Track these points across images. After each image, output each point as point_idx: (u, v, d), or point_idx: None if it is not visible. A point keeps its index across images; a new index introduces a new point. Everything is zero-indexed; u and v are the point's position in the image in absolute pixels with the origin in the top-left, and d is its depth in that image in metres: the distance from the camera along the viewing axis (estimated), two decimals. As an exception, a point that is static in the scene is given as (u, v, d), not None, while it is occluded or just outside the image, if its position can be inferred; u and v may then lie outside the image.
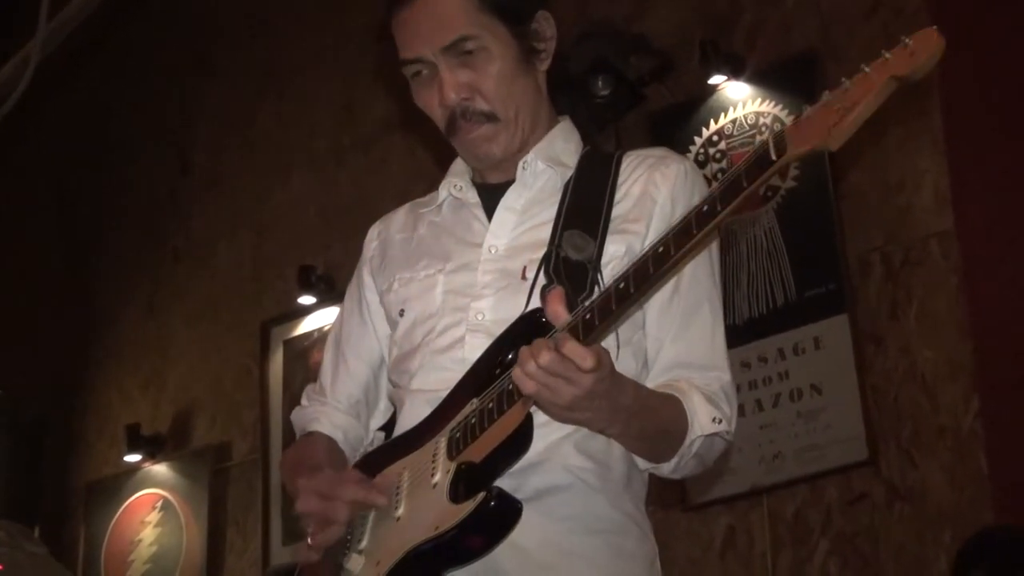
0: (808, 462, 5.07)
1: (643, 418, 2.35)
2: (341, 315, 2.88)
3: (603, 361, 2.19)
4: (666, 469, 2.46)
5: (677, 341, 2.51)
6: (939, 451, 4.84)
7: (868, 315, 5.10)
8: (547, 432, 2.36)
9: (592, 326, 2.18)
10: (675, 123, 5.67)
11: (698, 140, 5.61)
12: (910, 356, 4.98)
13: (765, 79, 5.52)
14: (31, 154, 7.99)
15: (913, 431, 4.91)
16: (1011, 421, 4.71)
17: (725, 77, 5.57)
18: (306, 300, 6.54)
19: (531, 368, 2.17)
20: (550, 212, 2.57)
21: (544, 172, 2.63)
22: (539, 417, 2.32)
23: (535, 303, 2.43)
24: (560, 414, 2.26)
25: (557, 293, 2.24)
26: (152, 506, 6.96)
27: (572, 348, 2.15)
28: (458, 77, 2.55)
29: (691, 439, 2.42)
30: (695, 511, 5.29)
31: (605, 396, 2.23)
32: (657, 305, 2.52)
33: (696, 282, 2.54)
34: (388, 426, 2.77)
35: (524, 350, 2.20)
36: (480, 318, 2.51)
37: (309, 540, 2.52)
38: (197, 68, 7.56)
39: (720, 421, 2.44)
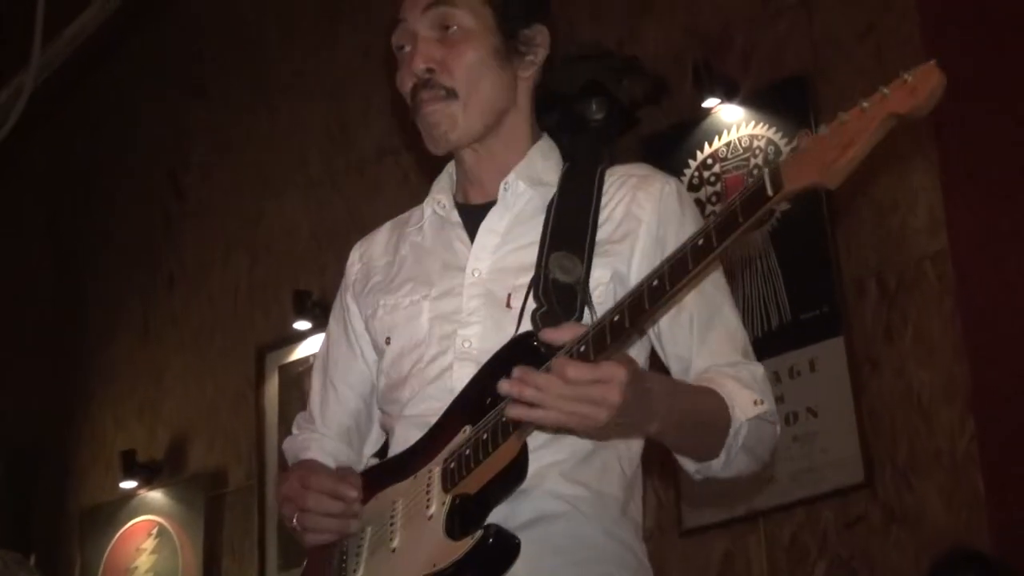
0: (804, 485, 5.06)
1: (680, 411, 2.31)
2: (327, 340, 2.85)
3: (621, 371, 2.16)
4: (717, 466, 2.42)
5: (701, 353, 2.49)
6: (935, 473, 4.83)
7: (863, 337, 5.09)
8: (536, 457, 2.33)
9: (586, 359, 2.17)
10: (669, 146, 5.67)
11: (692, 163, 5.61)
12: (906, 378, 4.98)
13: (758, 102, 5.52)
14: (23, 180, 7.98)
15: (909, 453, 4.90)
16: (1007, 443, 4.70)
17: (719, 100, 5.57)
18: (301, 325, 6.53)
19: (561, 403, 2.15)
20: (533, 234, 2.54)
21: (525, 193, 2.61)
22: (529, 442, 2.30)
23: (525, 328, 2.40)
24: (600, 434, 2.25)
25: (548, 332, 2.24)
26: (148, 533, 6.93)
27: (577, 370, 2.14)
28: (432, 50, 2.56)
29: (736, 427, 2.37)
30: (691, 535, 5.27)
31: (636, 402, 2.19)
32: (671, 326, 2.50)
33: (702, 294, 2.52)
34: (381, 453, 2.75)
35: (542, 385, 2.17)
36: (467, 346, 2.48)
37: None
38: (189, 92, 7.56)
39: (761, 402, 2.41)
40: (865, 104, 1.96)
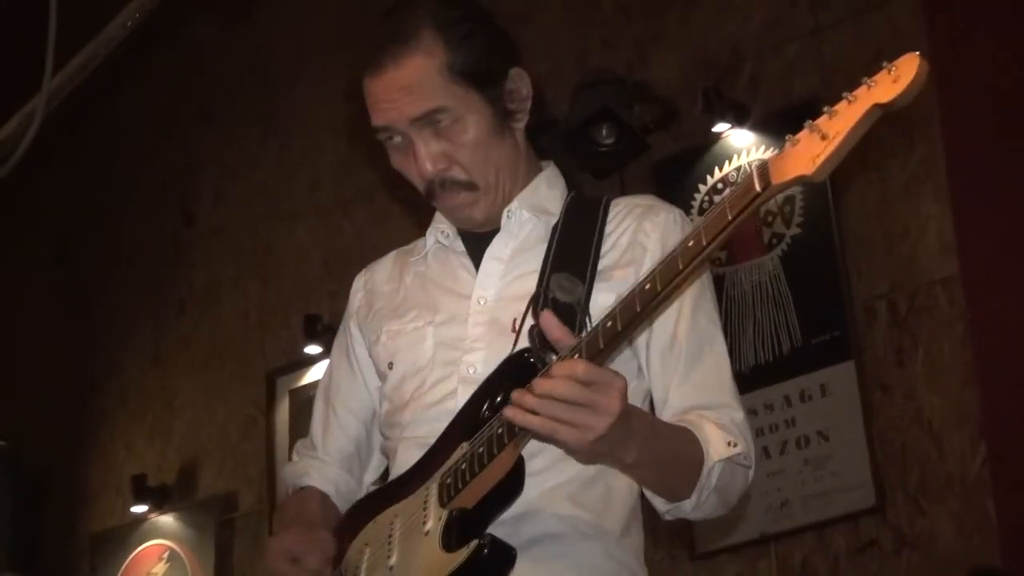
0: (815, 509, 5.06)
1: (655, 444, 2.29)
2: (330, 367, 2.84)
3: (621, 380, 2.15)
4: (687, 506, 2.39)
5: (683, 386, 2.48)
6: (947, 498, 4.82)
7: (874, 362, 5.09)
8: (540, 481, 2.34)
9: None
10: (679, 171, 5.67)
11: (702, 188, 5.62)
12: (917, 403, 4.98)
13: (768, 127, 5.53)
14: (34, 206, 8.00)
15: (920, 478, 4.90)
16: (1019, 467, 4.69)
17: (729, 125, 5.58)
18: (312, 350, 6.53)
19: (560, 410, 2.12)
20: (537, 261, 2.54)
21: (529, 221, 2.60)
22: (531, 466, 2.30)
23: (522, 345, 2.40)
24: (592, 450, 2.20)
25: (548, 315, 2.22)
26: (159, 557, 6.93)
27: (586, 369, 2.12)
28: (432, 149, 2.52)
29: (708, 467, 2.35)
30: (703, 559, 5.27)
31: (620, 426, 2.17)
32: (659, 353, 2.49)
33: (695, 326, 2.50)
34: (383, 479, 2.74)
35: (538, 387, 2.15)
36: (472, 372, 2.48)
37: None
38: (199, 118, 7.58)
39: (735, 445, 2.38)
40: (850, 96, 1.96)
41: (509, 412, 2.18)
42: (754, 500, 5.13)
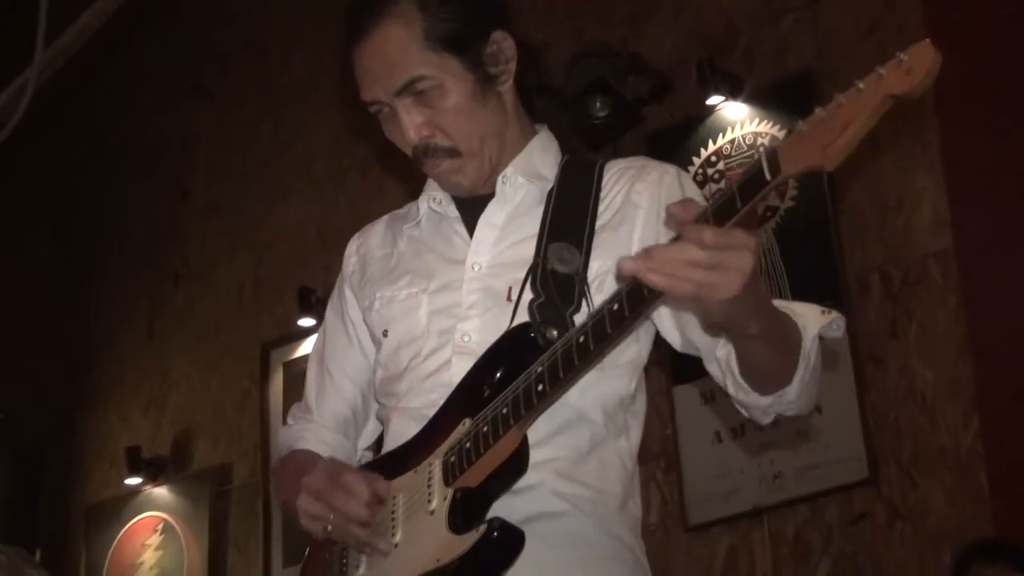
0: (809, 482, 5.07)
1: (770, 308, 2.17)
2: (324, 330, 2.83)
3: (752, 238, 2.01)
4: (792, 392, 2.26)
5: None
6: (939, 470, 4.84)
7: (868, 335, 5.10)
8: (533, 455, 2.30)
9: (587, 349, 2.15)
10: (673, 143, 5.67)
11: (696, 160, 5.62)
12: (910, 375, 4.99)
13: (763, 99, 5.52)
14: (29, 180, 8.00)
15: (913, 450, 4.91)
16: (1011, 440, 4.70)
17: (723, 97, 5.57)
18: (306, 322, 6.54)
19: (691, 259, 1.96)
20: (532, 227, 2.52)
21: (523, 186, 2.58)
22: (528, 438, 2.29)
23: (521, 318, 2.39)
24: (721, 309, 2.04)
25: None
26: (153, 529, 6.95)
27: (714, 235, 1.96)
28: (415, 117, 2.51)
29: (811, 339, 2.22)
30: (696, 531, 5.28)
31: (752, 287, 2.03)
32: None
33: None
34: (376, 446, 2.73)
35: (672, 251, 1.98)
36: (466, 340, 2.46)
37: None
38: (195, 92, 7.57)
39: (829, 311, 2.26)
40: (861, 85, 1.91)
41: (652, 278, 2.00)
42: (747, 472, 5.15)
